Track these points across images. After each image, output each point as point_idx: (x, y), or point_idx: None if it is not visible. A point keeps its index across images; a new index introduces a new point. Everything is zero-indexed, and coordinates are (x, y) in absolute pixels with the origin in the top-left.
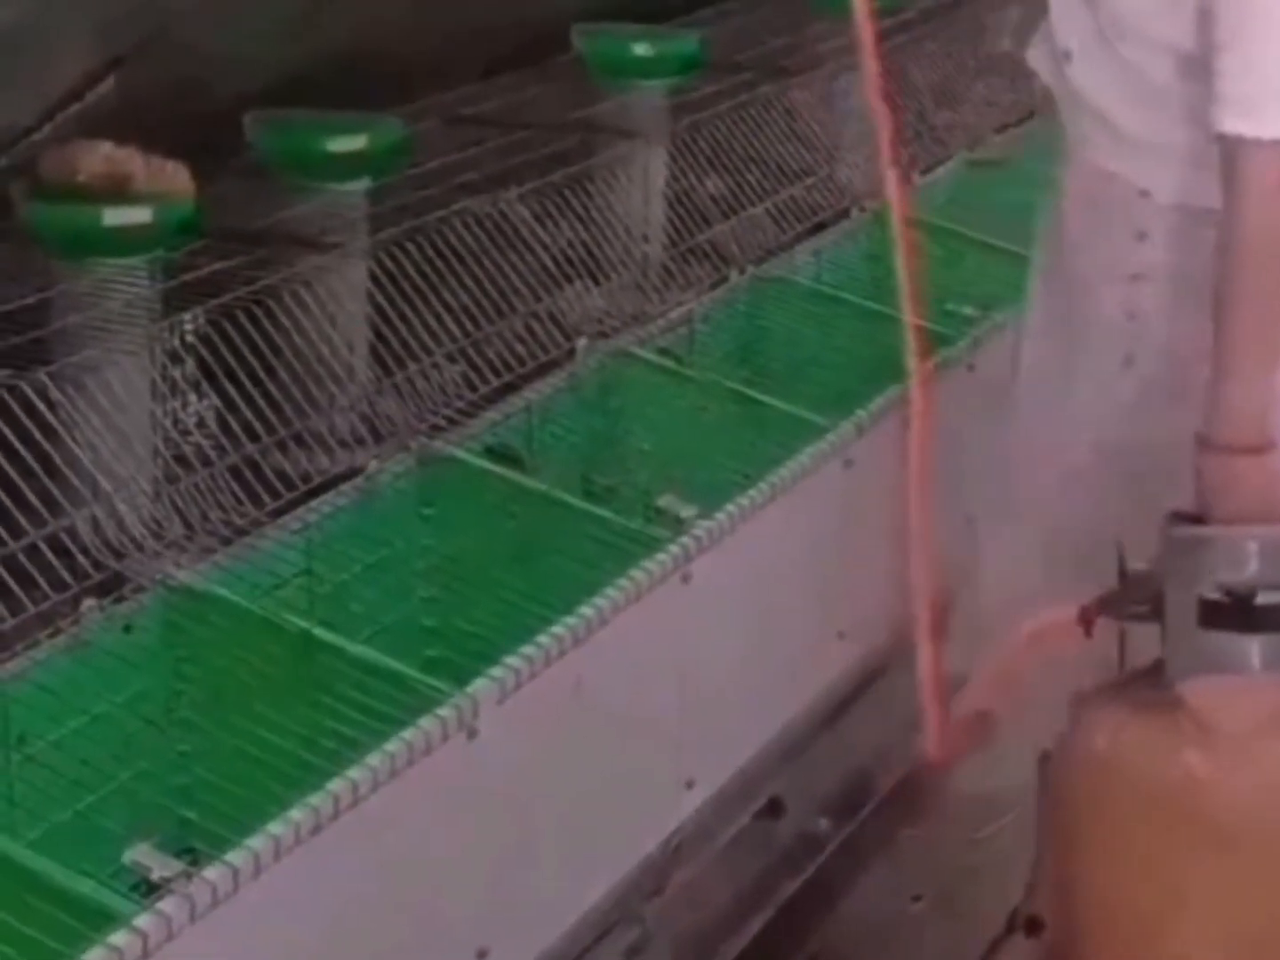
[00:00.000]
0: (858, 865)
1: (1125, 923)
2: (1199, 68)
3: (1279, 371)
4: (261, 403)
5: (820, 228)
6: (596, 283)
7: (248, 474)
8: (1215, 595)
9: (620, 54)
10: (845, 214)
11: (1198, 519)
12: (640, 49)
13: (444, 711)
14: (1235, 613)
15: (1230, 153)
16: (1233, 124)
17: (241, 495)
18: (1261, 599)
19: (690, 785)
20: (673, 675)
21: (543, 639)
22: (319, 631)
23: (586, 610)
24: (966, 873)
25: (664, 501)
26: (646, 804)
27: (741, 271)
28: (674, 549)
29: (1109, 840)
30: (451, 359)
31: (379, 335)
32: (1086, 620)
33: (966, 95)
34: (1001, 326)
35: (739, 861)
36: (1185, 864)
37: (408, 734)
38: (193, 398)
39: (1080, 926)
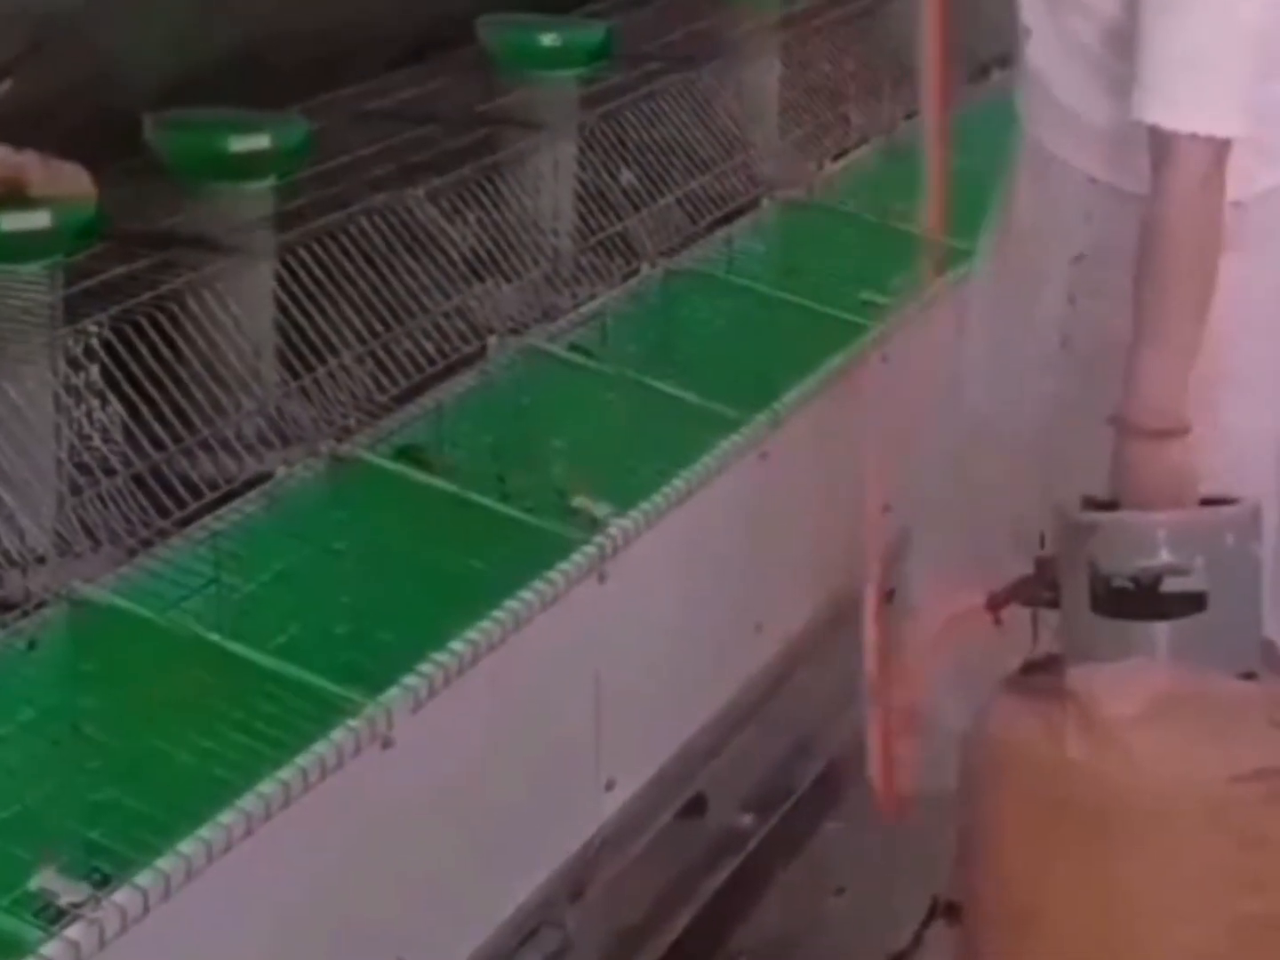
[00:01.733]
0: (781, 860)
1: (1008, 908)
2: (1125, 41)
3: (1196, 357)
4: (166, 409)
5: (731, 217)
6: (507, 279)
7: (153, 483)
8: (1103, 581)
9: (526, 45)
10: (756, 203)
11: (1111, 504)
12: (546, 39)
13: (357, 722)
14: (1121, 598)
15: (1154, 142)
16: (1154, 115)
17: (147, 505)
18: (1143, 585)
19: (610, 786)
20: (590, 676)
21: (456, 645)
22: (228, 644)
23: (500, 614)
24: (890, 865)
25: (578, 501)
26: (566, 807)
27: (652, 264)
28: (589, 549)
29: (999, 824)
30: (360, 360)
31: (286, 337)
32: (994, 607)
33: (876, 81)
34: (916, 315)
35: (662, 860)
36: (1061, 848)
37: (320, 746)
38: (96, 406)
39: (977, 913)
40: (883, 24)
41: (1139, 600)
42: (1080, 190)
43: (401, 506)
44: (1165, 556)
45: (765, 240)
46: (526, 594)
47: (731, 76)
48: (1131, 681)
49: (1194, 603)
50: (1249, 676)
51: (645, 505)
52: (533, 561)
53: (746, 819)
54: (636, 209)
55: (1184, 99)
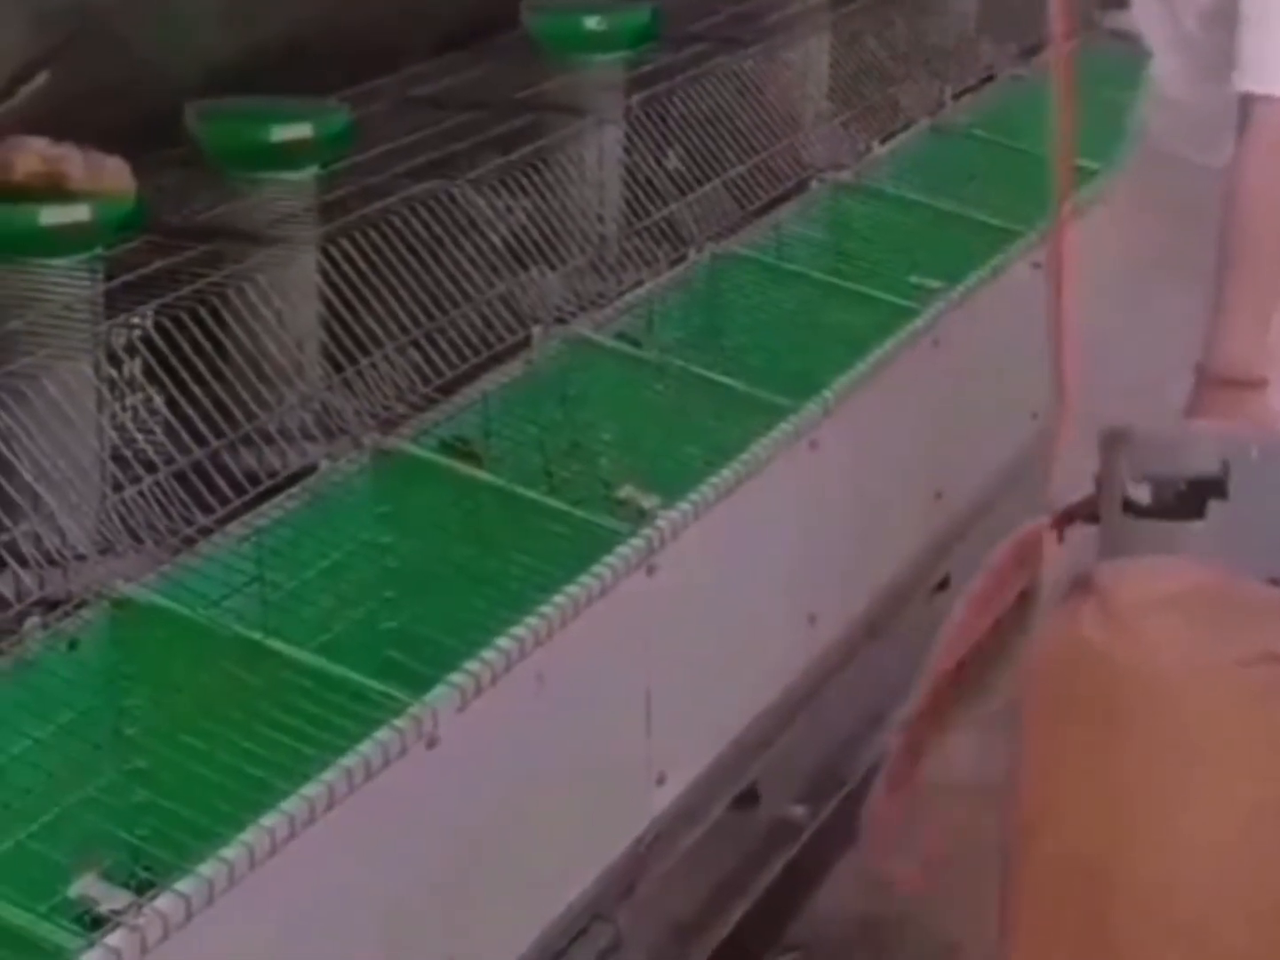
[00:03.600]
0: (835, 851)
1: (1024, 805)
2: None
3: (1273, 312)
4: (208, 404)
5: (779, 201)
6: (552, 267)
7: (195, 479)
8: (1135, 483)
9: (571, 28)
10: (804, 186)
11: None
12: (591, 23)
13: (401, 722)
14: (1149, 500)
15: (1244, 110)
16: (1247, 83)
17: (189, 502)
18: (1170, 488)
19: (662, 781)
20: (640, 671)
21: (503, 641)
22: (271, 642)
23: (547, 609)
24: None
25: (625, 493)
26: (617, 803)
27: (699, 250)
28: (636, 542)
29: (1025, 721)
30: (403, 351)
31: (329, 329)
32: (1059, 525)
33: (924, 61)
34: (966, 298)
35: (714, 853)
36: (1072, 740)
37: (364, 747)
38: (139, 401)
39: (1004, 817)
40: (933, 4)
41: (1166, 502)
42: (1203, 181)
43: (446, 500)
44: (1192, 462)
45: (814, 224)
46: (573, 589)
47: (779, 58)
48: (1153, 576)
49: (1218, 508)
50: (1273, 583)
51: (693, 496)
52: (580, 555)
53: (799, 810)
54: (683, 194)
55: (1265, 64)
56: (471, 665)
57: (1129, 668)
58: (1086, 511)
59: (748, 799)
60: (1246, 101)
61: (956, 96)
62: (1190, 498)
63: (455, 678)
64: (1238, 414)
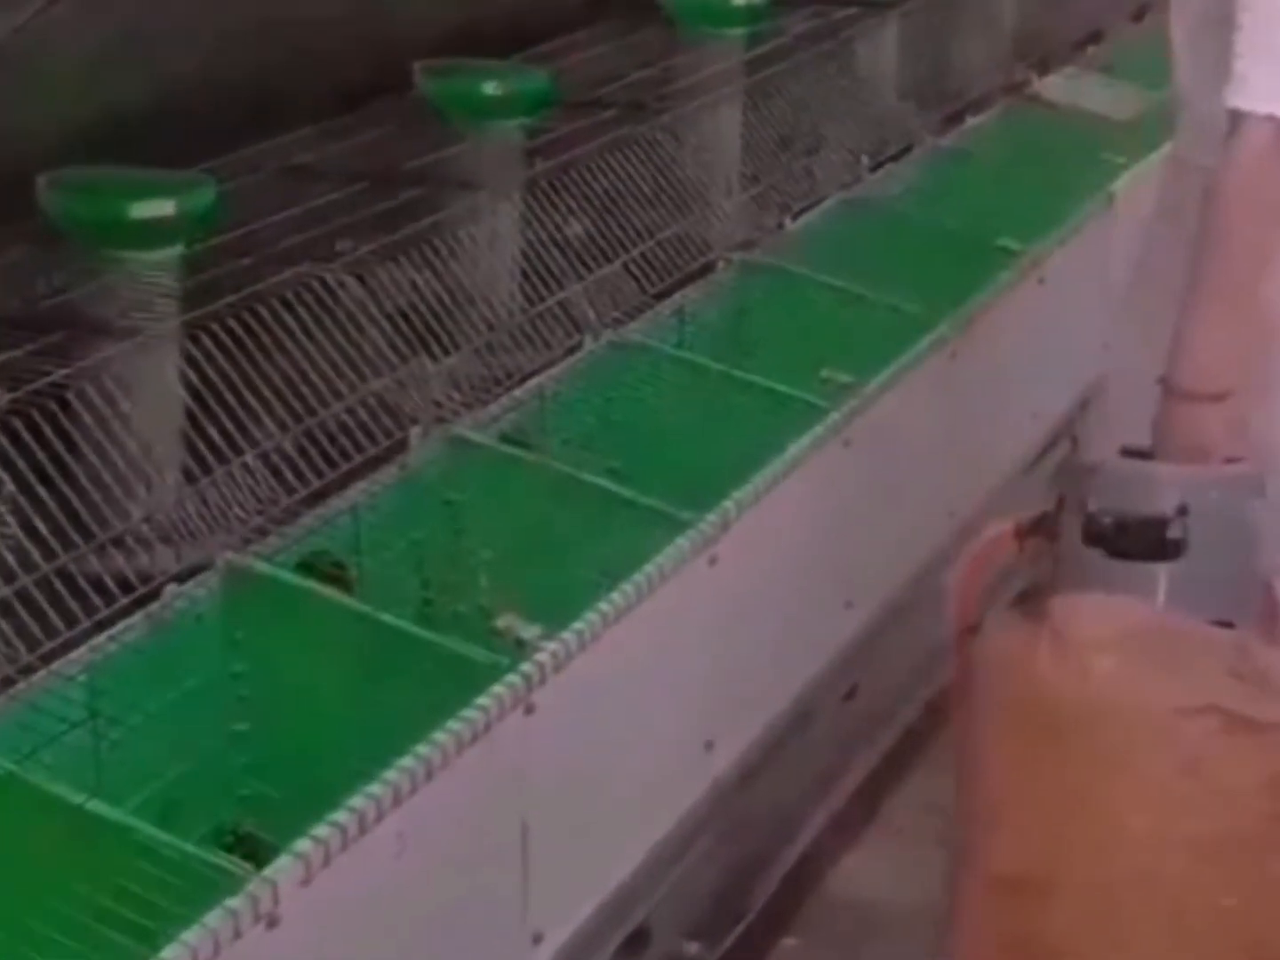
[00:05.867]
0: None
1: (980, 804)
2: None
3: (1243, 326)
4: (40, 522)
5: (684, 283)
6: (434, 358)
7: (19, 607)
8: (1093, 519)
9: (466, 93)
10: (711, 267)
11: (1148, 455)
12: (488, 88)
13: (236, 902)
14: (1106, 537)
15: (1232, 124)
16: (1234, 98)
17: (10, 633)
18: (1127, 527)
19: (539, 940)
20: (515, 821)
21: (356, 801)
22: (95, 805)
23: (408, 762)
24: None
25: (504, 621)
26: None
27: (596, 338)
28: (514, 678)
29: (979, 725)
30: (266, 456)
31: (185, 431)
32: (1020, 535)
33: (839, 131)
34: (880, 394)
35: None
36: (1026, 754)
37: (191, 935)
38: None
39: (958, 809)
40: (848, 69)
41: (1123, 541)
42: None
43: (307, 628)
44: (1150, 503)
45: (720, 309)
46: (441, 735)
47: (687, 126)
48: (1107, 613)
49: (1173, 549)
50: (1225, 625)
51: (578, 625)
52: (452, 692)
53: (694, 947)
54: (580, 275)
55: (1253, 80)
56: (319, 831)
57: (1077, 705)
58: (1045, 528)
59: (638, 938)
60: (1234, 117)
61: (874, 168)
62: (1147, 536)
63: (300, 845)
64: (1199, 432)
